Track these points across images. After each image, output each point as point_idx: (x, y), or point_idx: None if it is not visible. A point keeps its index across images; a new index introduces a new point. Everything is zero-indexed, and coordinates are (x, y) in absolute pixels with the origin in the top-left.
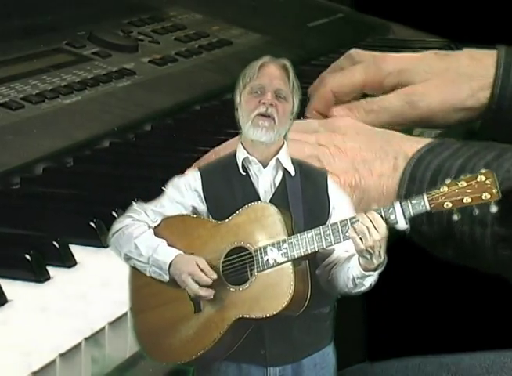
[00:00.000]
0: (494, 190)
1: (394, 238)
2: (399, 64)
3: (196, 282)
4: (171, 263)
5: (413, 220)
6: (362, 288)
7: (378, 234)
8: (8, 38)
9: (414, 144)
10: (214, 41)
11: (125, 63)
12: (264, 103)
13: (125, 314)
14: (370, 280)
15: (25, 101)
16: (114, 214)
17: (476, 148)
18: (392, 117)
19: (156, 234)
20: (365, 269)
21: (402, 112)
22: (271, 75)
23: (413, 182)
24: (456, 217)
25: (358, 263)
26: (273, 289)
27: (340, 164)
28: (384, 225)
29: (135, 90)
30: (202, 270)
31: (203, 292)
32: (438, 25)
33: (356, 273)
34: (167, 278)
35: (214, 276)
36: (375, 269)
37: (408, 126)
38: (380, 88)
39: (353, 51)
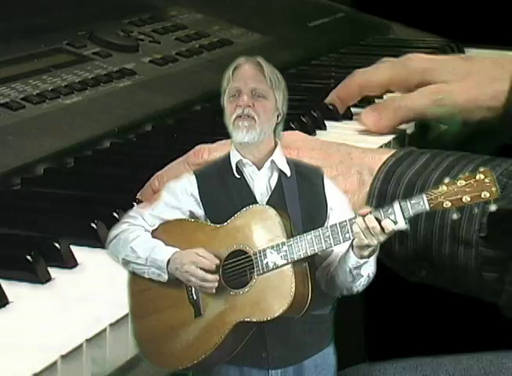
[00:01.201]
0: (493, 189)
1: None
2: (425, 63)
3: (201, 268)
4: (169, 261)
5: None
6: (361, 280)
7: (385, 235)
8: (8, 38)
9: (376, 156)
10: (215, 41)
11: (126, 63)
12: (240, 106)
13: (127, 315)
14: (367, 268)
15: (26, 101)
16: (115, 214)
17: (449, 159)
18: (418, 114)
19: None
20: (361, 257)
21: (428, 109)
22: (244, 76)
23: (383, 197)
24: (455, 216)
25: (352, 253)
26: (274, 292)
27: None
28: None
29: (135, 90)
30: (203, 257)
31: (210, 276)
32: (438, 25)
33: (352, 263)
34: (166, 277)
35: (217, 261)
36: (369, 255)
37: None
38: (405, 86)
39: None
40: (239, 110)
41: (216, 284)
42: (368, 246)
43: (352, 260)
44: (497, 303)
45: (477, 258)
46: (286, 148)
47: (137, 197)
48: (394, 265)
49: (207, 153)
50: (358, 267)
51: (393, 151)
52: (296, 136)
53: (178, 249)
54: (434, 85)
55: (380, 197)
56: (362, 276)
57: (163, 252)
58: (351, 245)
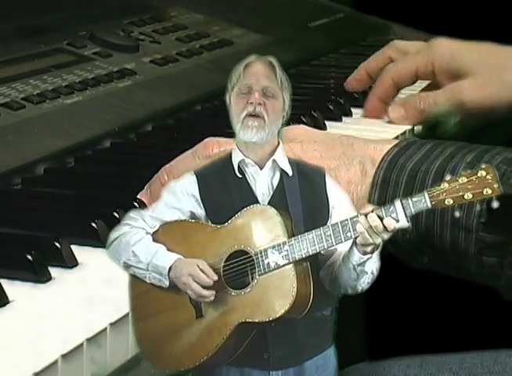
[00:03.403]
0: (495, 185)
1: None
2: (451, 48)
3: (198, 283)
4: (170, 268)
5: None
6: (365, 277)
7: (388, 233)
8: (8, 38)
9: (379, 146)
10: (215, 41)
11: (126, 63)
12: (251, 103)
13: (127, 315)
14: (371, 265)
15: (26, 101)
16: (116, 214)
17: (451, 149)
18: (442, 113)
19: (154, 240)
20: (364, 253)
21: (451, 108)
22: (257, 74)
23: (386, 186)
24: (457, 213)
25: (355, 250)
26: (275, 292)
27: None
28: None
29: (135, 90)
30: (202, 271)
31: (206, 292)
32: (438, 25)
33: (355, 260)
34: (167, 283)
35: (215, 277)
36: (372, 251)
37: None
38: (433, 75)
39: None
40: (250, 108)
41: (212, 298)
42: (371, 244)
43: (356, 257)
44: (497, 288)
45: (477, 243)
46: (290, 142)
47: (138, 196)
48: (398, 252)
49: (217, 145)
50: (362, 264)
51: (395, 142)
52: (299, 130)
53: (180, 256)
54: (456, 84)
55: (383, 184)
56: (366, 272)
57: (165, 258)
58: (354, 242)
